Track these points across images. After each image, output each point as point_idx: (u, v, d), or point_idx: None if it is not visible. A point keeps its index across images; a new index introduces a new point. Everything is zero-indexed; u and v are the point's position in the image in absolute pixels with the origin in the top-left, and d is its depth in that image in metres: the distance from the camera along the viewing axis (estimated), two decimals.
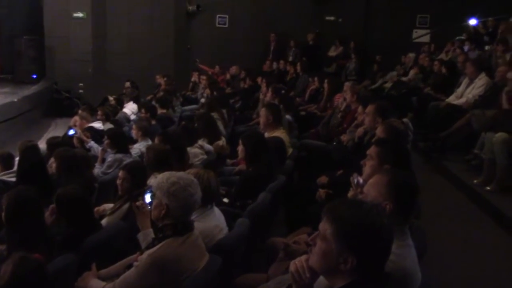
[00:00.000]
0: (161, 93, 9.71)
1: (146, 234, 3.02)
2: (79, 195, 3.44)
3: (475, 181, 5.84)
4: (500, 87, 6.55)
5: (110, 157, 5.59)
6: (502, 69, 7.10)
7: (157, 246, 2.64)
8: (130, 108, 9.23)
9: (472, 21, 12.23)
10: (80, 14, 13.20)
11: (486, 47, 10.09)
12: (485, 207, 5.43)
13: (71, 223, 3.31)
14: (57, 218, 3.34)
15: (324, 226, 1.79)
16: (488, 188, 5.57)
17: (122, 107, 9.35)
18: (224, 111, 7.62)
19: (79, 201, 3.40)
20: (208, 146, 5.67)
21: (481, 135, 6.07)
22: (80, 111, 8.04)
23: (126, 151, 5.67)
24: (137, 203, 3.11)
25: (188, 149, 5.11)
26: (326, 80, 9.06)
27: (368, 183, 2.39)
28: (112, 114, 8.25)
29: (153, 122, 7.29)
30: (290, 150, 5.38)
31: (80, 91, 13.29)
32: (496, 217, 5.16)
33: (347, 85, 7.71)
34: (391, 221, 1.79)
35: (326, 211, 1.81)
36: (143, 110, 7.77)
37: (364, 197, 2.36)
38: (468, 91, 7.36)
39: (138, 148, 5.91)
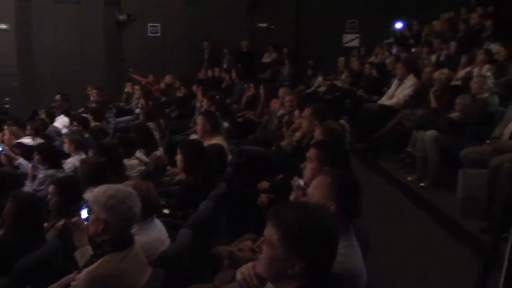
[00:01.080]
0: (93, 105, 9.43)
1: (83, 252, 2.87)
2: (36, 200, 3.46)
3: (409, 178, 6.05)
4: (428, 87, 6.84)
5: (41, 173, 5.35)
6: (428, 69, 7.45)
7: (96, 263, 2.52)
8: (61, 122, 8.89)
9: (398, 25, 12.77)
10: (3, 26, 12.66)
11: (412, 50, 10.53)
12: (420, 202, 5.62)
13: (20, 229, 3.24)
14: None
15: (270, 231, 1.75)
16: (422, 184, 5.78)
17: (53, 121, 8.99)
18: (161, 121, 7.51)
19: (34, 206, 3.39)
20: (146, 158, 5.55)
21: (413, 134, 6.29)
22: (6, 127, 7.64)
23: (59, 166, 5.45)
24: (73, 220, 2.97)
25: (125, 161, 4.98)
26: (262, 86, 9.12)
27: (311, 185, 2.38)
28: (42, 128, 7.91)
29: (86, 135, 7.05)
30: (229, 157, 5.35)
31: (6, 106, 12.65)
32: (430, 212, 5.36)
33: (283, 90, 7.80)
34: (336, 222, 1.79)
35: (270, 216, 1.78)
36: (75, 123, 7.51)
37: (307, 199, 2.35)
38: (398, 92, 7.63)
39: (72, 162, 5.69)
